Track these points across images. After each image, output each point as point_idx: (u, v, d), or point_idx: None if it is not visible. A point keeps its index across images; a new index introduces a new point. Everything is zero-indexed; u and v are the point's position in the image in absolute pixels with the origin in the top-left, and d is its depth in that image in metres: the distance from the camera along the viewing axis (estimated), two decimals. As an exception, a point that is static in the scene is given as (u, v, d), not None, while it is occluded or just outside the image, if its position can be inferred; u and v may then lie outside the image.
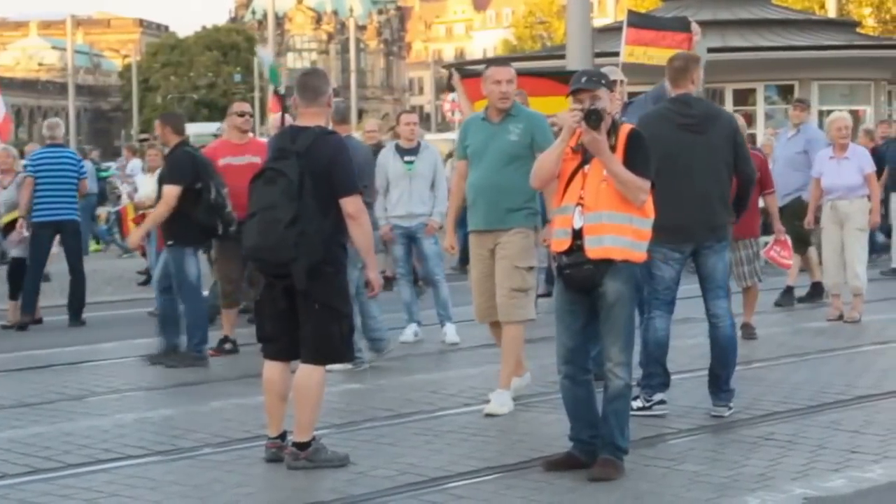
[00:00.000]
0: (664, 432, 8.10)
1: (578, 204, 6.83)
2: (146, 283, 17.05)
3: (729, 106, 28.38)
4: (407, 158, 12.01)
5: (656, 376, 8.49)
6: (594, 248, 6.78)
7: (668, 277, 8.40)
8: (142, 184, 15.68)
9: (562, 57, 21.00)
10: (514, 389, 8.74)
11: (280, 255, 7.15)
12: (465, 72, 13.06)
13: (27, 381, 10.71)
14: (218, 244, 11.22)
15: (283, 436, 7.48)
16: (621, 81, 9.75)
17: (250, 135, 11.85)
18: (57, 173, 14.12)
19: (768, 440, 7.85)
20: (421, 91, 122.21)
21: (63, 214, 14.17)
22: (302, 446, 7.27)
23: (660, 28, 11.51)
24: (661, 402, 8.49)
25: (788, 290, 14.33)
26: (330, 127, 7.69)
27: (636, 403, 8.24)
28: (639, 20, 11.75)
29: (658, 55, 10.95)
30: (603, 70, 9.29)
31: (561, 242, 6.90)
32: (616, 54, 28.35)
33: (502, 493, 6.69)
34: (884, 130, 20.91)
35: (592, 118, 6.71)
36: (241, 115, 11.67)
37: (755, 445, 7.73)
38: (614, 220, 6.81)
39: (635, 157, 6.86)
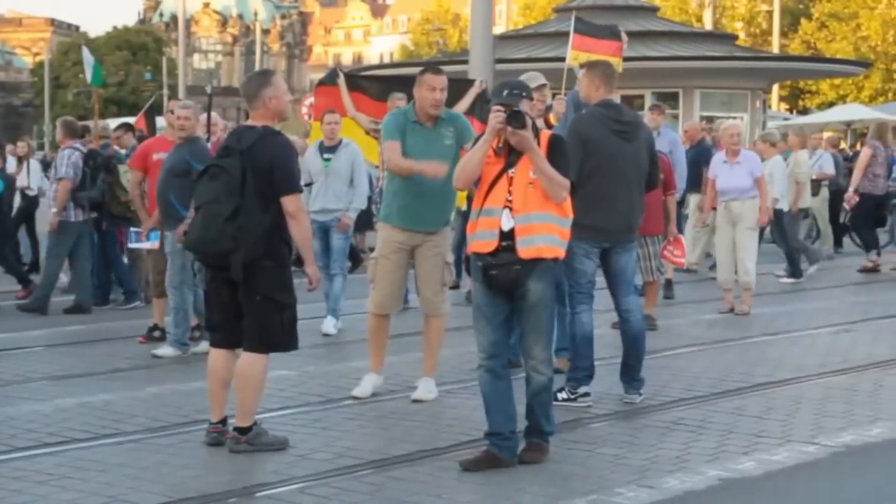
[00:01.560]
0: (582, 417, 8.18)
1: (506, 206, 6.77)
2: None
3: None
4: (326, 156, 11.97)
5: (583, 370, 8.47)
6: (527, 248, 6.74)
7: (590, 272, 8.47)
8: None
9: (464, 62, 21.07)
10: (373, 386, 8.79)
11: (219, 247, 7.11)
12: (328, 80, 13.24)
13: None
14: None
15: (223, 421, 7.43)
16: (544, 85, 9.80)
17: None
18: None
19: (679, 425, 7.96)
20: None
21: None
22: (243, 430, 7.23)
23: (598, 36, 11.62)
24: (586, 394, 8.48)
25: (668, 284, 14.57)
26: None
27: (562, 395, 8.30)
28: (583, 27, 11.87)
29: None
30: (527, 75, 9.38)
31: (487, 244, 6.81)
32: (514, 60, 28.67)
33: (438, 476, 6.70)
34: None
35: (516, 119, 6.68)
36: (177, 112, 11.47)
37: (668, 430, 7.82)
38: (544, 220, 6.80)
39: (558, 159, 6.87)
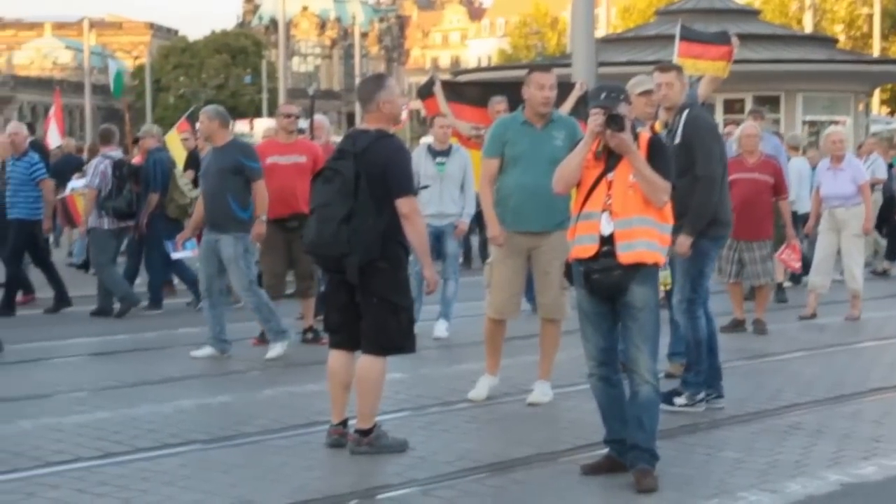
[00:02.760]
0: (699, 421, 8.14)
1: (605, 210, 6.67)
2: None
3: (719, 115, 28.47)
4: (439, 160, 12.01)
5: (703, 373, 8.39)
6: (627, 254, 6.62)
7: (712, 275, 8.53)
8: None
9: (566, 66, 21.02)
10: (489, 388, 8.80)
11: (334, 250, 7.17)
12: (425, 91, 13.29)
13: (82, 369, 10.74)
14: (265, 238, 11.07)
15: (344, 422, 7.50)
16: (650, 91, 9.69)
17: (296, 135, 11.78)
18: None
19: (797, 429, 7.90)
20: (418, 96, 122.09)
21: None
22: (364, 433, 7.29)
23: (706, 42, 11.57)
24: (713, 397, 8.44)
25: (780, 287, 14.53)
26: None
27: (679, 400, 8.27)
28: (689, 34, 11.81)
29: (705, 67, 11.03)
30: (635, 79, 9.32)
31: (587, 248, 6.68)
32: (617, 64, 28.55)
33: (558, 479, 6.72)
34: None
35: (615, 122, 6.59)
36: (287, 116, 11.61)
37: (786, 434, 7.77)
38: (644, 225, 6.67)
39: (658, 162, 6.74)
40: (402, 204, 7.25)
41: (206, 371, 10.35)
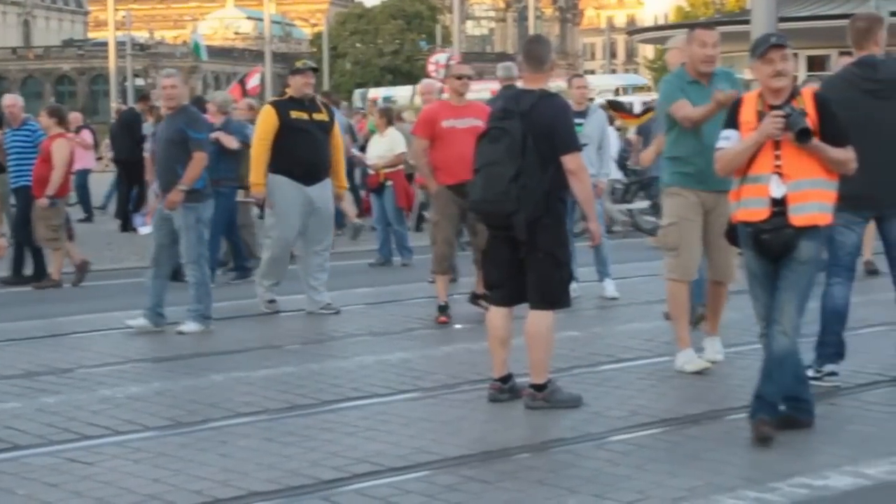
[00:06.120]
0: (878, 380, 8.07)
1: (775, 172, 6.58)
2: None
3: (802, 72, 27.60)
4: (578, 121, 11.91)
5: (830, 345, 7.91)
6: (800, 216, 6.55)
7: (850, 243, 7.90)
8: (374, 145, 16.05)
9: (745, 22, 20.74)
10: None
11: (503, 207, 7.32)
12: None
13: (266, 325, 11.11)
14: (438, 206, 10.98)
15: (505, 378, 7.65)
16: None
17: (468, 97, 11.49)
18: None
19: (979, 389, 7.80)
20: (593, 56, 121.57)
21: None
22: (539, 387, 7.44)
23: None
24: (833, 373, 7.91)
25: None
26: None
27: (808, 373, 7.79)
28: None
29: None
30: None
31: (758, 212, 6.60)
32: (798, 19, 28.02)
33: (733, 434, 6.75)
34: None
35: (803, 137, 6.47)
36: (459, 77, 11.17)
37: (968, 394, 7.68)
38: (816, 187, 6.60)
39: (832, 126, 6.62)
40: (569, 160, 7.38)
41: (385, 329, 10.59)
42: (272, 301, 11.50)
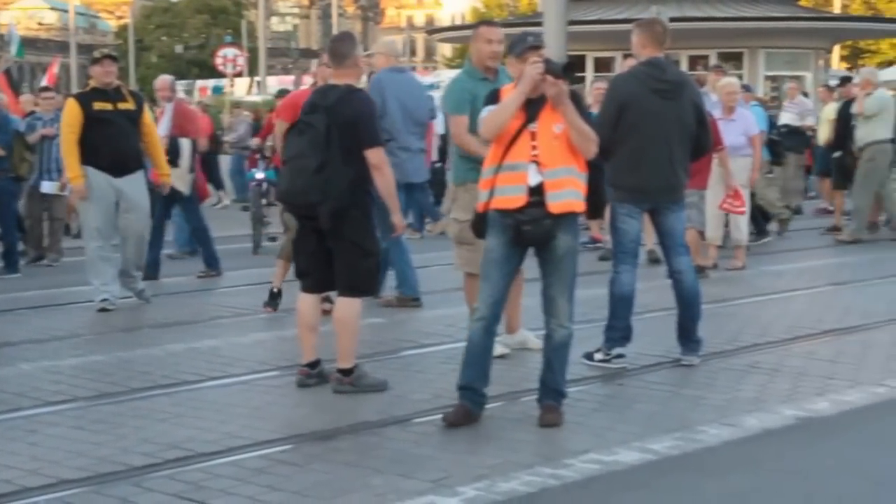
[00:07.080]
0: (662, 361, 8.33)
1: (532, 161, 6.58)
2: None
3: (684, 70, 28.51)
4: None
5: (618, 330, 8.15)
6: (558, 203, 6.52)
7: (634, 232, 8.13)
8: None
9: (537, 24, 21.06)
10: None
11: (308, 198, 7.34)
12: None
13: (74, 314, 10.85)
14: None
15: (313, 364, 7.67)
16: None
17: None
18: None
19: (755, 368, 8.10)
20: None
21: None
22: (346, 372, 7.47)
23: None
24: (620, 355, 8.17)
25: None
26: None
27: (598, 356, 8.15)
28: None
29: None
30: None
31: (516, 199, 6.55)
32: (587, 22, 28.59)
33: (529, 414, 6.84)
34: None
35: (568, 71, 6.54)
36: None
37: (744, 373, 7.96)
38: (570, 175, 6.61)
39: (580, 113, 6.67)
40: (372, 154, 7.41)
41: (192, 318, 10.47)
42: (105, 299, 10.91)
